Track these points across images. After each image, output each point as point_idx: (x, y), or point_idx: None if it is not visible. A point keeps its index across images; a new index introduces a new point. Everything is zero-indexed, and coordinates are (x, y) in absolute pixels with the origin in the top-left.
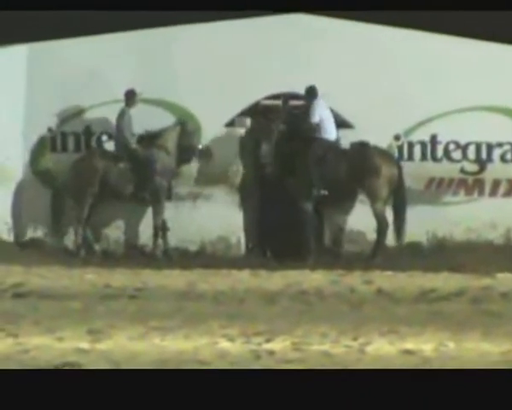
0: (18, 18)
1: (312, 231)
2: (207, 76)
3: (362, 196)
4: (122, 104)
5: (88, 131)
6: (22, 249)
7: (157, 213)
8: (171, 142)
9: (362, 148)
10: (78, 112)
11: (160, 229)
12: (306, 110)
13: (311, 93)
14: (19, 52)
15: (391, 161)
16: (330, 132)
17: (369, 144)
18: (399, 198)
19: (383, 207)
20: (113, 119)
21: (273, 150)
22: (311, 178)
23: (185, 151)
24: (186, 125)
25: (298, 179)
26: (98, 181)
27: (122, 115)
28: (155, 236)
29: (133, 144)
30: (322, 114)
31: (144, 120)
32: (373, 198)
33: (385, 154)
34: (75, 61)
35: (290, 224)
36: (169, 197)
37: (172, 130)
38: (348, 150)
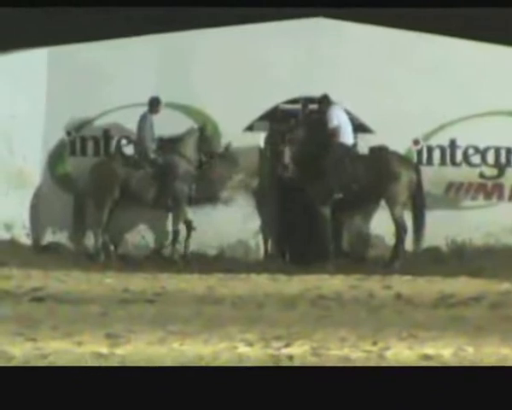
0: (38, 21)
1: (331, 236)
2: (226, 80)
3: (381, 201)
4: (141, 108)
5: (107, 135)
6: (40, 253)
7: (177, 218)
8: (190, 146)
9: (381, 152)
10: (98, 116)
11: (186, 229)
12: (324, 115)
13: (323, 102)
14: (39, 55)
15: (410, 166)
16: (348, 137)
17: (388, 149)
18: (418, 203)
19: (402, 211)
20: (132, 123)
21: (295, 155)
22: (329, 183)
23: (204, 156)
24: (205, 130)
25: (316, 184)
26: (119, 186)
27: (144, 121)
28: (174, 240)
29: (154, 150)
30: (340, 118)
31: (163, 124)
32: (392, 203)
33: (404, 158)
34: (94, 64)
35: (309, 228)
36: (189, 202)
37: (191, 134)
38: (367, 155)
